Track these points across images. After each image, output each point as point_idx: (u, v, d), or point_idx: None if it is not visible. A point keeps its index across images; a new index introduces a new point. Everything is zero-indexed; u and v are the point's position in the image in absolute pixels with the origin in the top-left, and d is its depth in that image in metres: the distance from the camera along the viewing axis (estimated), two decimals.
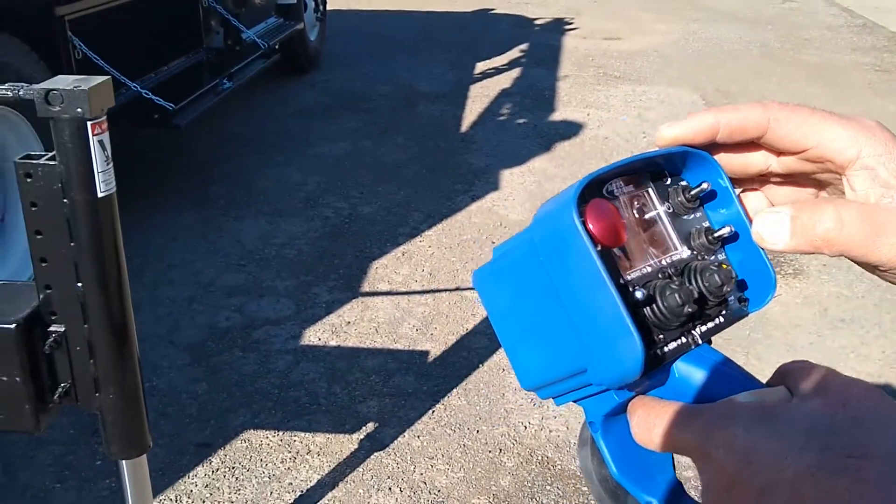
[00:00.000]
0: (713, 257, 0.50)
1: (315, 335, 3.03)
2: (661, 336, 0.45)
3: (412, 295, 3.33)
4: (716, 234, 0.50)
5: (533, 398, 2.72)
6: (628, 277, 0.46)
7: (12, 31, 2.83)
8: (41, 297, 1.60)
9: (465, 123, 5.44)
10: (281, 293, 3.32)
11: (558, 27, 8.29)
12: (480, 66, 6.79)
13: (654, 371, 0.46)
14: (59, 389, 1.65)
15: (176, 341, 2.96)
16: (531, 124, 5.41)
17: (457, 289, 3.38)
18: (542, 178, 4.54)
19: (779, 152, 0.50)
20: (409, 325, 3.11)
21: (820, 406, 0.40)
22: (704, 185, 0.50)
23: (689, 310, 0.44)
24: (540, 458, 2.46)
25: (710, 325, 0.48)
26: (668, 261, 0.48)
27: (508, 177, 4.55)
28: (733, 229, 0.50)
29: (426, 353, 2.95)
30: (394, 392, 2.73)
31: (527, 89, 6.18)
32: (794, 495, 0.37)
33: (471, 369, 2.86)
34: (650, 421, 0.45)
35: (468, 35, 7.91)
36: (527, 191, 4.37)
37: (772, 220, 0.44)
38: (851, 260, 0.45)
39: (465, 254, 3.68)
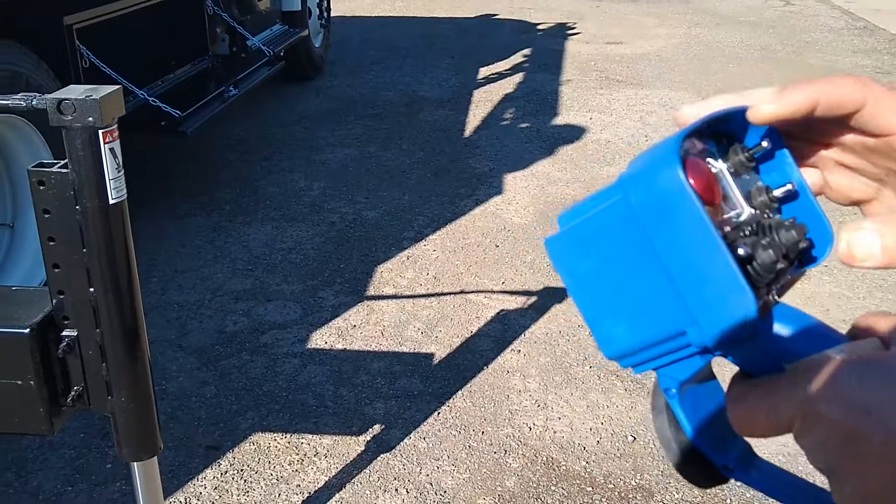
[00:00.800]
0: (776, 216, 0.50)
1: (321, 339, 3.07)
2: (757, 292, 0.45)
3: (417, 298, 3.36)
4: (776, 193, 0.49)
5: (538, 400, 2.74)
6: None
7: (21, 40, 2.87)
8: (54, 302, 1.63)
9: (469, 128, 5.47)
10: (288, 297, 3.35)
11: (561, 32, 8.32)
12: (483, 72, 6.83)
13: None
14: (72, 393, 1.68)
15: (184, 345, 3.00)
16: (534, 129, 5.45)
17: (461, 292, 3.41)
18: (546, 181, 4.57)
19: (858, 130, 0.49)
20: (414, 328, 3.14)
21: None
22: (764, 144, 0.49)
23: (781, 266, 0.44)
24: (545, 458, 2.49)
25: (781, 282, 0.48)
26: (740, 219, 0.48)
27: (512, 181, 4.58)
28: (794, 187, 0.50)
29: (431, 355, 2.98)
30: (400, 394, 2.76)
31: (530, 94, 6.21)
32: None
33: (476, 371, 2.89)
34: (748, 410, 0.44)
35: (471, 40, 7.96)
36: (530, 195, 4.40)
37: (861, 238, 0.43)
38: None
39: (469, 257, 3.71)
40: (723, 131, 0.51)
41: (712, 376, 0.52)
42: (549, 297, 3.38)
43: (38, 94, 1.49)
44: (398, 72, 6.79)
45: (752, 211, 0.49)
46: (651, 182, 0.45)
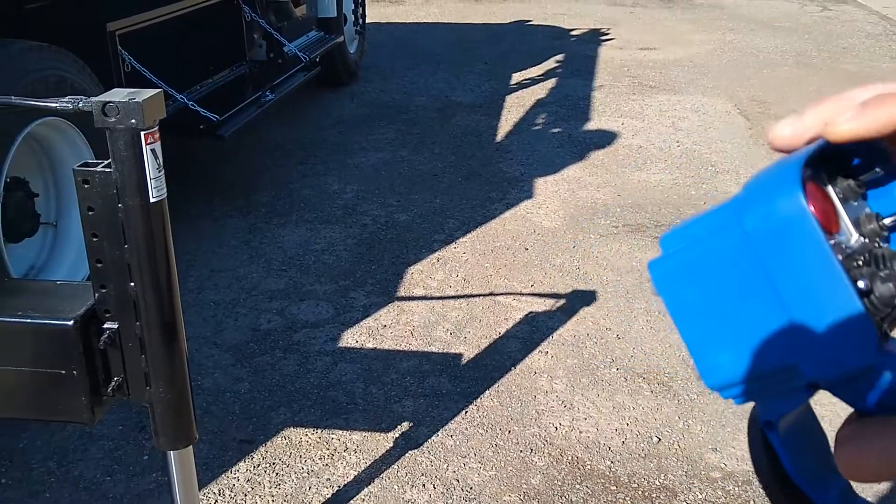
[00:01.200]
0: (885, 245, 0.47)
1: (353, 338, 3.13)
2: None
3: (447, 300, 3.41)
4: (886, 221, 0.46)
5: (564, 400, 2.78)
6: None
7: (68, 46, 2.98)
8: (96, 296, 1.70)
9: (501, 133, 5.52)
10: (320, 297, 3.42)
11: (594, 38, 8.34)
12: (516, 77, 6.87)
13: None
14: (113, 383, 1.75)
15: (220, 343, 3.08)
16: (566, 134, 5.48)
17: (490, 294, 3.45)
18: (576, 186, 4.61)
19: None
20: (443, 328, 3.20)
21: None
22: (877, 170, 0.46)
23: None
24: (570, 458, 2.53)
25: (893, 316, 0.44)
26: (851, 247, 0.45)
27: (542, 185, 4.62)
28: None
29: (460, 355, 3.03)
30: (428, 393, 2.81)
31: (562, 99, 6.24)
32: None
33: (503, 372, 2.93)
34: (858, 452, 0.42)
35: (505, 46, 8.00)
36: (560, 199, 4.44)
37: None
38: None
39: (499, 260, 3.76)
40: (829, 153, 0.47)
41: (811, 410, 0.51)
42: (577, 300, 3.41)
43: (84, 98, 1.56)
44: (431, 77, 6.86)
45: (862, 239, 0.46)
46: (770, 208, 0.43)
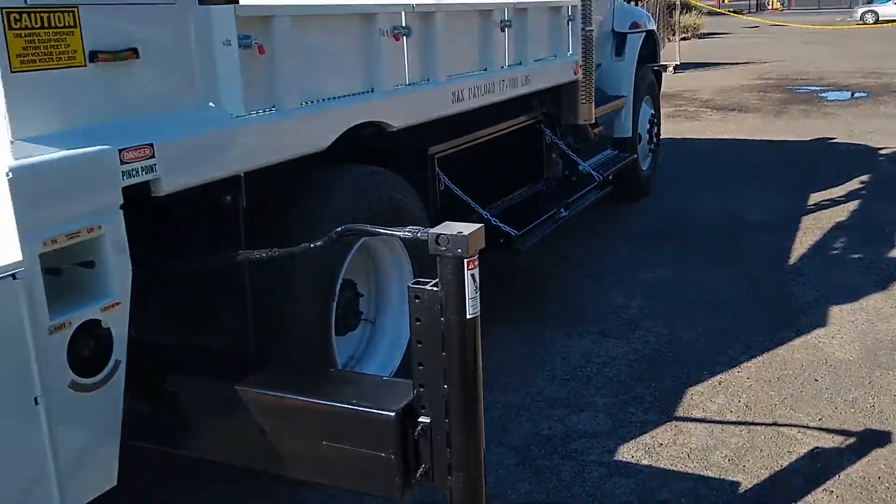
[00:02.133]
0: None
1: (628, 452, 3.23)
2: None
3: (726, 425, 3.41)
4: None
5: None
6: None
7: (396, 169, 3.46)
8: (415, 392, 2.01)
9: (794, 255, 5.40)
10: (599, 409, 3.57)
11: None
12: (815, 197, 6.68)
13: None
14: (421, 469, 2.04)
15: (505, 442, 3.32)
16: (867, 260, 5.24)
17: (773, 423, 3.40)
18: (876, 317, 4.39)
19: None
20: (721, 454, 3.20)
21: None
22: None
23: None
24: None
25: None
26: None
27: (837, 313, 4.45)
28: None
29: (737, 483, 3.01)
30: None
31: (865, 222, 5.98)
32: None
33: None
34: None
35: (803, 164, 7.81)
36: (857, 329, 4.25)
37: None
38: None
39: (785, 389, 3.68)
40: None
41: None
42: (869, 440, 3.26)
43: (422, 229, 1.90)
44: (724, 194, 6.86)
45: None
46: None
